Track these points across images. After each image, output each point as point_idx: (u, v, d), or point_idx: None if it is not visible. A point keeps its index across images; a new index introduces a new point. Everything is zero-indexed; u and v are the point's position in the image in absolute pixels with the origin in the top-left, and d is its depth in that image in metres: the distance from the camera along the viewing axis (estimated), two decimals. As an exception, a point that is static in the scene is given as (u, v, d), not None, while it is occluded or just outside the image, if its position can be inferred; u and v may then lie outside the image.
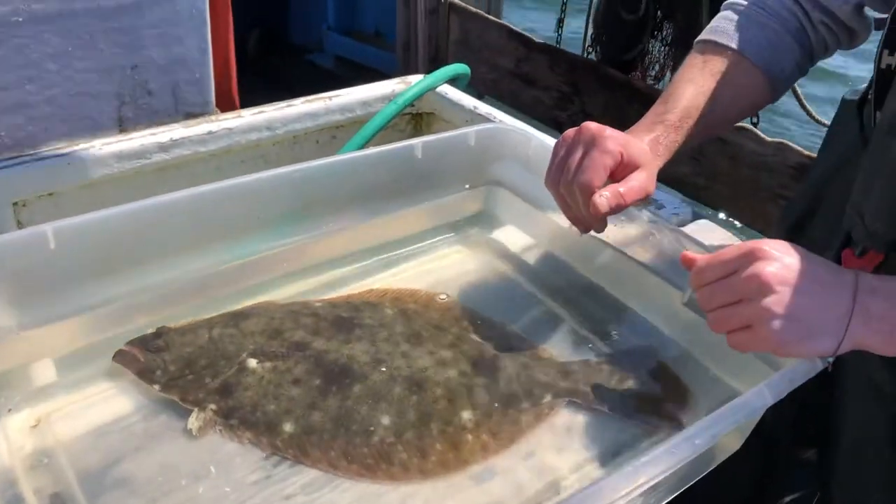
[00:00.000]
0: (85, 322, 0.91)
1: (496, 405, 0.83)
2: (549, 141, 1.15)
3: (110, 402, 0.85)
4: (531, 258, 1.12)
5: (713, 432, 0.69)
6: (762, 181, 2.06)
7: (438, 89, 1.57)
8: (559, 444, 0.82)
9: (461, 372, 0.87)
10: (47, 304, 0.88)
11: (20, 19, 1.40)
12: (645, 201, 0.91)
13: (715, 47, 0.94)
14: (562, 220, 1.07)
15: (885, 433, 0.88)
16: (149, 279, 0.93)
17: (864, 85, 0.94)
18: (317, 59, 3.32)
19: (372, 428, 0.80)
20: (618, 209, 0.84)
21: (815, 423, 1.01)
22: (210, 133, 1.38)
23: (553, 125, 2.42)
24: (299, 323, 0.93)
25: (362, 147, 1.39)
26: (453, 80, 1.59)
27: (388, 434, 0.79)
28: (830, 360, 0.74)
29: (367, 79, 1.68)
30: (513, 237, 1.16)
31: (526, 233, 1.16)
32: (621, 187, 0.84)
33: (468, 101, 1.57)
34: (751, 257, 0.71)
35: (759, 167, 2.05)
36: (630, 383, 0.88)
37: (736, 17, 0.95)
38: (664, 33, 2.49)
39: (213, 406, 0.82)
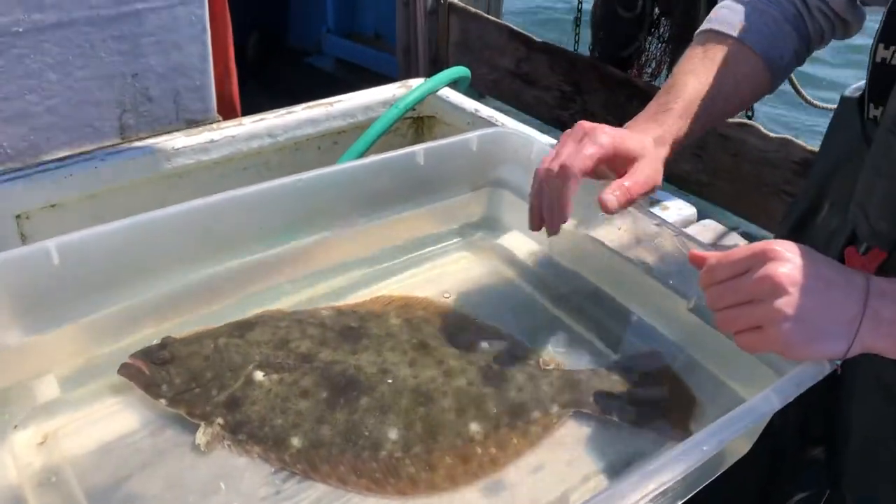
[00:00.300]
0: (90, 336, 0.91)
1: (504, 416, 0.83)
2: (552, 144, 1.15)
3: (117, 416, 0.84)
4: (537, 264, 1.12)
5: (721, 438, 0.69)
6: (765, 177, 2.05)
7: (439, 93, 1.57)
8: (568, 456, 0.82)
9: (469, 382, 0.87)
10: (52, 319, 0.87)
11: (20, 29, 1.40)
12: (652, 192, 0.90)
13: (716, 36, 0.94)
14: (567, 225, 1.07)
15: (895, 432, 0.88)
16: (153, 291, 0.93)
17: (864, 82, 0.93)
18: (316, 61, 3.31)
19: (380, 441, 0.80)
20: (627, 204, 0.84)
21: (822, 423, 1.01)
22: (212, 141, 1.38)
23: (555, 125, 2.41)
24: (305, 333, 0.92)
25: (364, 152, 1.39)
26: (454, 83, 1.58)
27: (397, 448, 0.79)
28: (838, 362, 0.73)
29: (368, 81, 1.67)
30: (518, 242, 1.16)
31: (531, 237, 1.15)
32: (626, 181, 0.84)
33: (469, 104, 1.57)
34: (762, 258, 0.71)
35: (762, 163, 2.04)
36: (638, 391, 0.88)
37: (736, 5, 0.95)
38: (661, 30, 2.49)
39: (220, 420, 0.82)
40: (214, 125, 1.43)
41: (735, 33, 0.92)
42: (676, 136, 0.90)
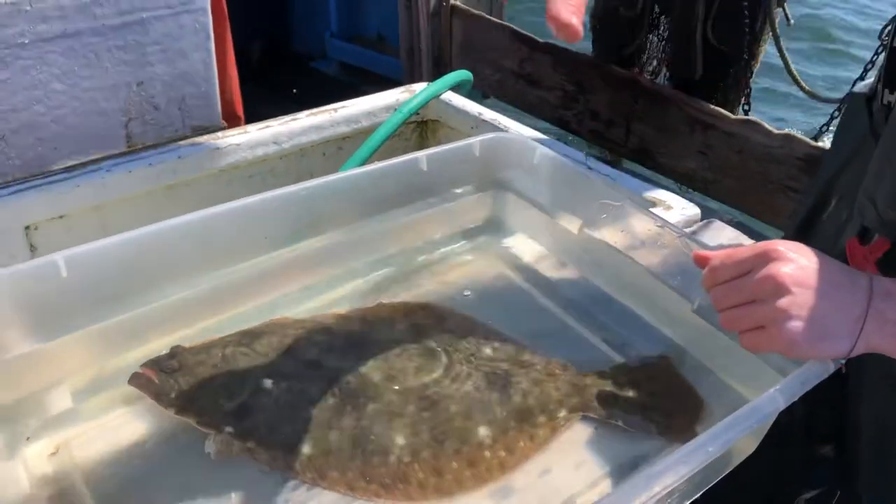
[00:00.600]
0: (100, 346, 0.92)
1: (511, 421, 0.84)
2: (554, 149, 1.16)
3: (128, 426, 0.85)
4: (542, 267, 1.12)
5: (726, 439, 0.69)
6: (770, 173, 2.05)
7: (443, 96, 1.57)
8: (575, 460, 0.82)
9: (475, 387, 0.87)
10: (61, 331, 0.88)
11: (25, 41, 1.41)
12: None
13: None
14: (571, 226, 1.08)
15: None
16: (161, 301, 0.94)
17: (872, 79, 0.93)
18: (321, 66, 3.32)
19: (388, 447, 0.80)
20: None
21: (829, 421, 1.01)
22: (217, 150, 1.39)
23: (559, 125, 2.41)
24: (312, 340, 0.93)
25: (369, 157, 1.39)
26: (456, 86, 1.59)
27: (405, 454, 0.80)
28: (842, 361, 0.74)
29: (372, 84, 1.68)
30: (522, 245, 1.16)
31: (536, 240, 1.16)
32: None
33: (472, 107, 1.57)
34: (766, 258, 0.71)
35: (767, 159, 2.04)
36: (643, 394, 0.88)
37: None
38: (661, 29, 2.49)
39: (229, 428, 0.83)
40: (219, 133, 1.44)
41: None
42: None
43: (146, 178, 1.33)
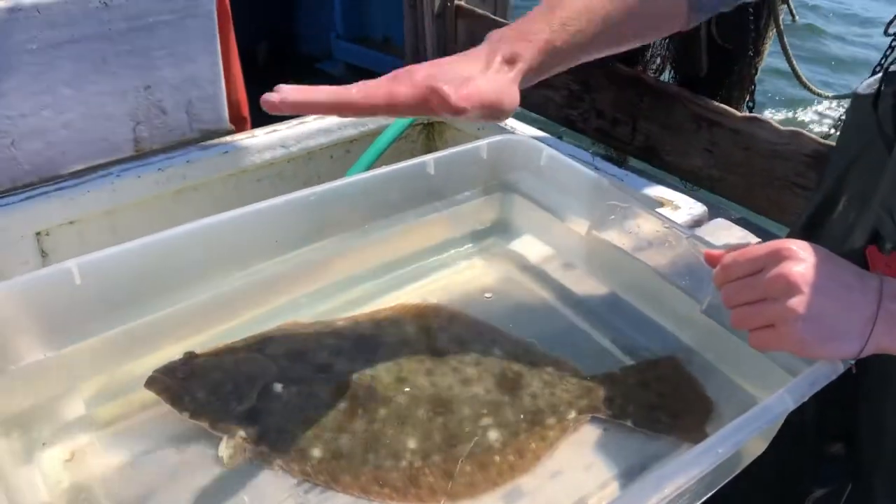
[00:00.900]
0: (113, 353, 0.92)
1: (521, 423, 0.84)
2: (562, 150, 1.16)
3: (142, 431, 0.86)
4: (550, 269, 1.13)
5: (736, 440, 0.70)
6: (777, 170, 2.04)
7: (450, 98, 1.57)
8: (586, 461, 0.83)
9: (486, 389, 0.88)
10: (75, 337, 0.89)
11: (34, 47, 1.42)
12: (496, 115, 0.78)
13: None
14: (579, 228, 1.08)
15: None
16: (173, 308, 0.95)
17: (875, 78, 0.93)
18: (326, 67, 3.32)
19: (399, 451, 0.81)
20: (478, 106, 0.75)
21: (840, 420, 1.01)
22: (226, 154, 1.40)
23: (565, 124, 2.41)
24: (322, 344, 0.94)
25: (376, 160, 1.40)
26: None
27: (416, 457, 0.80)
28: (852, 362, 0.74)
29: (378, 86, 1.67)
30: (530, 247, 1.16)
31: (543, 242, 1.16)
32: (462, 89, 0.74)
33: (479, 108, 1.57)
34: (777, 256, 0.71)
35: (774, 156, 2.03)
36: (652, 395, 0.88)
37: None
38: (665, 26, 2.48)
39: (242, 433, 0.83)
40: (228, 137, 1.45)
41: None
42: (543, 47, 0.80)
43: (156, 183, 1.34)
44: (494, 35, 0.82)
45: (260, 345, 0.93)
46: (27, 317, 0.85)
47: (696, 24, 0.90)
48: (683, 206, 1.29)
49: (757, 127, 2.04)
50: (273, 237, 1.00)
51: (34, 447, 0.84)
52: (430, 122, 1.66)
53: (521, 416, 0.85)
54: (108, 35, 1.50)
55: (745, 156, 2.09)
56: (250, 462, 0.82)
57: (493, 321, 1.01)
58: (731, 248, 0.83)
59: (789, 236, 1.10)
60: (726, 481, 0.80)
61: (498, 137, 1.13)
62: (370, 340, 0.95)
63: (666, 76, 2.54)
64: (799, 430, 1.00)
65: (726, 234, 1.24)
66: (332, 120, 1.52)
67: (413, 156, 1.60)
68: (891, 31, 0.85)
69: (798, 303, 0.69)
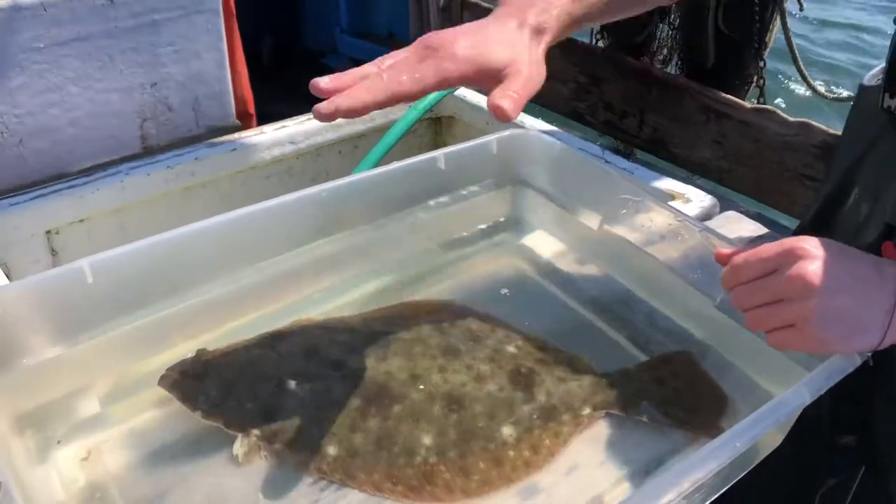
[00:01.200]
0: (126, 351, 0.93)
1: (536, 420, 0.84)
2: (571, 144, 1.15)
3: (156, 430, 0.86)
4: (562, 264, 1.12)
5: (753, 434, 0.69)
6: (787, 162, 2.03)
7: (457, 92, 1.57)
8: (601, 458, 0.82)
9: (499, 386, 0.87)
10: (88, 335, 0.89)
11: (41, 45, 1.43)
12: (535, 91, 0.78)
13: None
14: (590, 222, 1.08)
15: None
16: (185, 305, 0.95)
17: (880, 68, 0.92)
18: (331, 62, 3.31)
19: (414, 448, 0.81)
20: (520, 109, 0.75)
21: (854, 413, 1.00)
22: (234, 150, 1.40)
23: (573, 116, 2.40)
24: (335, 341, 0.94)
25: (385, 155, 1.40)
26: (470, 81, 1.58)
27: (431, 454, 0.80)
28: (868, 354, 0.74)
29: (384, 81, 1.66)
30: (542, 242, 1.16)
31: (555, 237, 1.16)
32: (512, 88, 0.73)
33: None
34: (791, 256, 0.71)
35: (783, 147, 2.02)
36: (667, 390, 0.88)
37: None
38: (671, 17, 2.47)
39: (256, 431, 0.83)
40: (236, 134, 1.45)
41: None
42: (563, 19, 0.80)
43: (164, 181, 1.34)
44: None
45: (273, 342, 0.93)
46: (40, 316, 0.85)
47: None
48: (694, 199, 1.28)
49: (766, 118, 2.03)
50: (284, 234, 1.00)
51: (49, 446, 0.84)
52: (438, 117, 1.65)
53: (536, 413, 0.85)
54: (113, 32, 1.50)
55: (755, 147, 2.08)
56: (265, 460, 0.81)
57: (506, 317, 1.00)
58: (742, 246, 0.82)
59: (799, 228, 1.09)
60: (742, 475, 0.79)
61: (508, 132, 1.13)
62: (383, 337, 0.95)
63: (673, 67, 2.52)
64: (814, 423, 1.00)
65: (738, 226, 1.24)
66: (340, 115, 1.51)
67: (421, 151, 1.60)
68: None
69: (818, 303, 0.68)
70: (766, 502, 1.13)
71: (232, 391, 0.87)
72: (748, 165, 2.10)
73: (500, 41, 0.76)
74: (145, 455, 0.83)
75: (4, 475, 0.66)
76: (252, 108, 1.86)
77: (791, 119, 2.01)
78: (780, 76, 4.13)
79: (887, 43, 0.86)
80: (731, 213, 1.31)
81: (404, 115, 1.44)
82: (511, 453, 0.81)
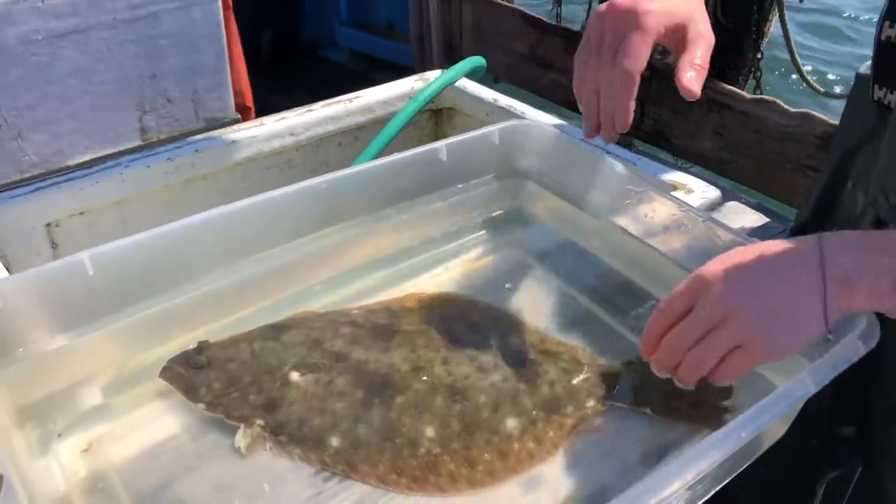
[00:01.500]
0: (127, 343, 0.92)
1: (540, 411, 0.84)
2: (573, 134, 1.15)
3: (158, 421, 0.86)
4: (564, 256, 1.12)
5: (757, 425, 0.69)
6: (788, 153, 2.03)
7: (457, 83, 1.56)
8: (605, 449, 0.82)
9: (503, 378, 0.87)
10: (89, 328, 0.89)
11: (39, 37, 1.42)
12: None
13: None
14: (593, 214, 1.07)
15: None
16: (186, 297, 0.95)
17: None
18: (331, 54, 3.31)
19: (417, 440, 0.80)
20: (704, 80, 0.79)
21: (856, 403, 1.00)
22: (233, 143, 1.39)
23: (572, 108, 2.38)
24: (338, 332, 0.93)
25: (385, 147, 1.39)
26: (470, 73, 1.58)
27: (434, 445, 0.80)
28: (830, 336, 0.69)
29: (383, 71, 1.67)
30: (544, 234, 1.16)
31: (558, 228, 1.15)
32: (696, 58, 0.78)
33: (488, 93, 1.57)
34: (703, 283, 0.68)
35: (784, 138, 2.02)
36: (671, 382, 0.88)
37: None
38: (670, 8, 2.47)
39: (260, 422, 0.83)
40: (236, 126, 1.44)
41: None
42: None
43: (164, 173, 1.34)
44: None
45: (275, 333, 0.93)
46: (41, 308, 0.85)
47: None
48: (697, 190, 1.27)
49: (767, 109, 2.02)
50: (286, 226, 0.99)
51: (50, 438, 0.83)
52: (439, 108, 1.65)
53: (539, 405, 0.84)
54: (112, 24, 1.50)
55: (756, 138, 2.08)
56: (268, 451, 0.81)
57: (509, 309, 1.00)
58: (744, 231, 0.80)
59: (797, 219, 1.09)
60: (745, 466, 0.79)
61: (510, 123, 1.12)
62: (386, 329, 0.94)
63: (672, 58, 2.52)
64: (816, 414, 1.00)
65: (741, 217, 1.23)
66: (339, 107, 1.51)
67: (422, 142, 1.60)
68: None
69: (752, 311, 0.65)
70: (768, 493, 1.13)
71: (235, 382, 0.86)
72: (749, 156, 2.10)
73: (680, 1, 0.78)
74: (147, 446, 0.83)
75: (5, 468, 0.66)
76: (250, 102, 1.85)
77: (792, 110, 2.00)
78: (774, 68, 4.12)
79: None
80: (734, 204, 1.30)
81: (405, 106, 1.44)
82: (515, 445, 0.81)
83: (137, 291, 0.91)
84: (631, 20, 0.76)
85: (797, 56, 2.35)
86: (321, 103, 1.50)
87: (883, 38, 0.81)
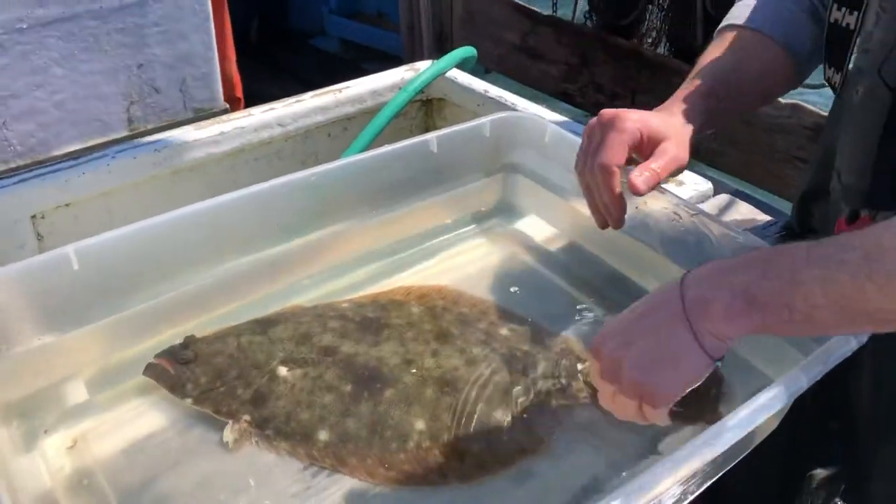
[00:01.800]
0: (113, 338, 0.91)
1: (530, 403, 0.83)
2: (565, 126, 1.14)
3: (144, 417, 0.85)
4: (554, 248, 1.12)
5: (750, 420, 0.69)
6: (778, 144, 2.03)
7: (448, 74, 1.55)
8: (596, 442, 0.82)
9: (492, 370, 0.87)
10: (74, 323, 0.88)
11: (24, 26, 1.40)
12: (680, 172, 0.91)
13: (736, 29, 0.95)
14: (583, 209, 1.06)
15: None
16: (173, 291, 0.94)
17: None
18: (320, 43, 3.28)
19: (407, 433, 0.80)
20: (655, 185, 0.85)
21: (840, 399, 1.01)
22: (222, 133, 1.38)
23: (562, 98, 2.39)
24: (327, 326, 0.93)
25: (375, 137, 1.38)
26: (460, 63, 1.57)
27: (424, 439, 0.80)
28: (719, 364, 0.69)
29: (373, 60, 1.66)
30: (535, 227, 1.15)
31: (548, 222, 1.15)
32: (654, 163, 0.85)
33: (478, 84, 1.56)
34: (595, 350, 0.70)
35: (775, 130, 2.02)
36: (662, 374, 0.87)
37: (752, 1, 0.96)
38: (660, 0, 2.47)
39: (247, 417, 0.82)
40: (224, 117, 1.42)
41: (754, 25, 0.94)
42: (703, 115, 0.90)
43: (151, 164, 1.32)
44: None
45: (263, 328, 0.92)
46: (26, 303, 0.84)
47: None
48: (688, 182, 1.27)
49: (757, 101, 2.02)
50: (274, 219, 0.98)
51: (36, 434, 0.83)
52: (429, 99, 1.63)
53: (529, 397, 0.84)
54: (99, 13, 1.48)
55: (747, 130, 2.08)
56: (256, 446, 0.81)
57: (498, 301, 1.00)
58: (736, 223, 0.81)
59: (792, 211, 1.10)
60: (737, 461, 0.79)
61: (500, 115, 1.11)
62: (375, 322, 0.94)
63: (662, 49, 2.52)
64: (807, 409, 1.00)
65: (732, 210, 1.23)
66: (328, 97, 1.50)
67: (412, 133, 1.59)
68: None
69: (631, 369, 0.66)
70: (759, 485, 1.13)
71: (222, 377, 0.86)
72: (739, 148, 2.10)
73: (659, 117, 0.88)
74: (133, 442, 0.82)
75: (-10, 464, 0.65)
76: (240, 92, 1.83)
77: (783, 101, 2.00)
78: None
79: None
80: (723, 196, 1.30)
81: (394, 97, 1.43)
82: (505, 437, 0.80)
83: (123, 286, 0.90)
84: (612, 124, 0.85)
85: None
86: (310, 93, 1.49)
87: (832, 19, 0.85)
